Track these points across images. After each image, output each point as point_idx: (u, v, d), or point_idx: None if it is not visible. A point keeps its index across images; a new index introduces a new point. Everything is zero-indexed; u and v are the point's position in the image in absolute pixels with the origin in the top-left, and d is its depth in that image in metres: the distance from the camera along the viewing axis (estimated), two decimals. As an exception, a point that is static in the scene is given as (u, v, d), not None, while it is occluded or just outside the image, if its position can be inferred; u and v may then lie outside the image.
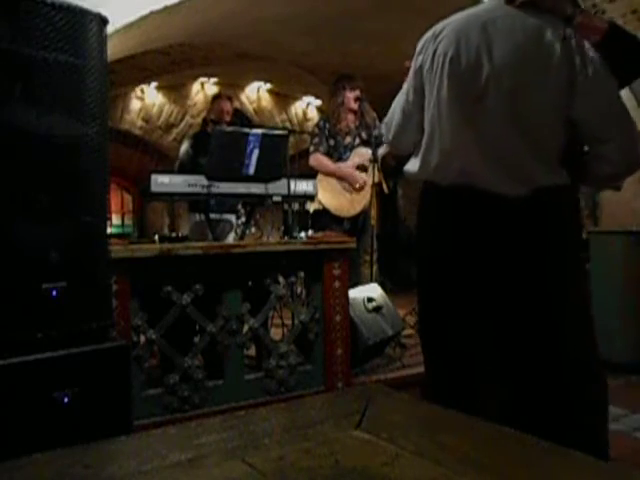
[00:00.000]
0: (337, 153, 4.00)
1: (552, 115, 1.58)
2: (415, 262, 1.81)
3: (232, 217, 4.21)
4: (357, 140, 4.03)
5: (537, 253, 1.59)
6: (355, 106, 3.96)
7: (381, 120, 4.10)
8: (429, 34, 1.82)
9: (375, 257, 4.02)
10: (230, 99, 4.27)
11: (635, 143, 1.58)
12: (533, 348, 1.60)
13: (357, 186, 3.95)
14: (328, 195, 3.96)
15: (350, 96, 3.96)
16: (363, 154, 3.98)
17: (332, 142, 4.00)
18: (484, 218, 1.61)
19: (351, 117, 4.01)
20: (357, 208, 3.99)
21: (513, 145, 1.59)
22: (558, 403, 1.58)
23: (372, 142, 3.91)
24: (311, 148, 4.03)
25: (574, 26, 1.56)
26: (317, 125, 4.13)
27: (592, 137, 1.61)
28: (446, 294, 1.69)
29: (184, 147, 4.11)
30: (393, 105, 1.96)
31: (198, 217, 3.90)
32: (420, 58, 1.83)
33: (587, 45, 1.55)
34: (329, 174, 3.97)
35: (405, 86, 1.89)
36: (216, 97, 4.34)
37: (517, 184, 1.58)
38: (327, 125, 4.02)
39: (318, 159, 3.99)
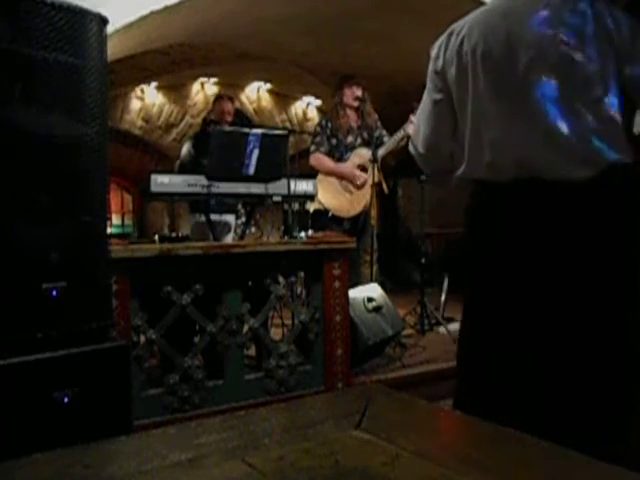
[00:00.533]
0: (338, 152, 4.00)
1: (603, 85, 1.48)
2: (468, 272, 1.63)
3: (231, 217, 4.20)
4: (359, 140, 4.04)
5: (612, 247, 1.43)
6: (354, 103, 3.97)
7: (381, 121, 4.14)
8: (444, 36, 1.75)
9: (375, 257, 4.02)
10: (231, 99, 4.28)
11: None
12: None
13: (358, 183, 3.95)
14: (328, 195, 3.97)
15: (348, 92, 3.96)
16: (363, 155, 3.99)
17: (334, 141, 4.01)
18: (553, 209, 1.47)
19: (352, 115, 4.02)
20: (357, 208, 3.99)
21: (569, 125, 1.49)
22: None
23: (373, 142, 3.91)
24: (312, 147, 4.04)
25: None
26: (319, 124, 4.14)
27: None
28: (520, 309, 1.49)
29: (186, 148, 4.11)
30: (416, 121, 1.90)
31: (199, 217, 3.90)
32: (440, 62, 1.74)
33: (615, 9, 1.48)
34: (329, 173, 3.98)
35: (425, 97, 1.81)
36: (218, 98, 4.35)
37: (581, 166, 1.45)
38: (329, 124, 4.02)
39: (318, 158, 3.99)
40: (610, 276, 1.42)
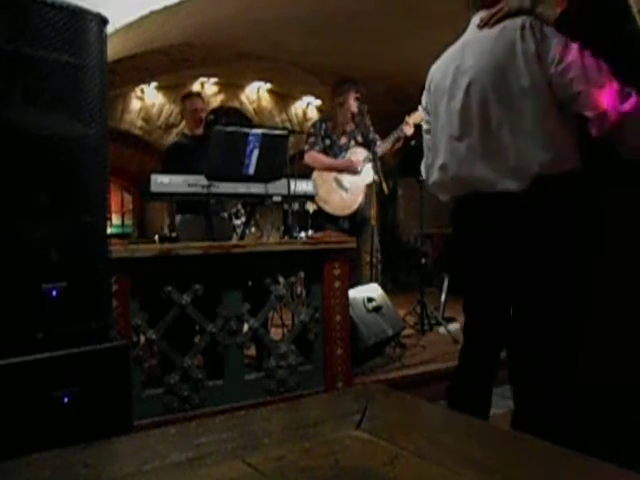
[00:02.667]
0: (332, 153, 4.01)
1: (535, 99, 1.72)
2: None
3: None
4: (352, 142, 4.06)
5: (540, 246, 1.73)
6: (356, 109, 3.99)
7: (381, 121, 4.13)
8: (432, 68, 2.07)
9: (379, 257, 4.02)
10: (200, 95, 4.18)
11: (600, 93, 1.64)
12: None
13: (357, 167, 3.96)
14: (323, 194, 3.96)
15: (354, 100, 3.98)
16: (359, 154, 3.99)
17: (327, 142, 4.02)
18: (492, 219, 1.81)
19: (350, 119, 4.04)
20: (352, 207, 3.99)
21: (503, 142, 1.76)
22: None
23: (368, 144, 3.93)
24: (306, 147, 4.05)
25: (536, 15, 1.75)
26: (313, 125, 4.16)
27: (566, 98, 1.70)
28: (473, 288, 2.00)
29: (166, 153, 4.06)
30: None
31: (185, 217, 3.82)
32: (424, 96, 2.08)
33: (545, 26, 1.73)
34: (325, 169, 3.98)
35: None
36: (186, 96, 4.12)
37: (513, 179, 1.73)
38: (323, 125, 4.04)
39: (312, 156, 4.00)
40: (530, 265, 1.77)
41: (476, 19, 1.93)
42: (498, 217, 1.79)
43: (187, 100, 4.02)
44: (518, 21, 1.78)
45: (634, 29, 1.69)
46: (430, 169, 2.05)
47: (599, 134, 1.68)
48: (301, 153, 4.23)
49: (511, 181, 1.74)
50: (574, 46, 1.69)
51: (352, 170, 3.97)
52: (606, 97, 1.64)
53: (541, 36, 1.72)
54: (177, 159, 3.61)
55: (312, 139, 4.03)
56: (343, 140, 4.04)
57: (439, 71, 2.01)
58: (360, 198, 3.98)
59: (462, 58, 1.90)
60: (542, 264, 1.75)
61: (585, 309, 1.74)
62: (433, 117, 2.03)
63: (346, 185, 3.99)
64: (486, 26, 1.86)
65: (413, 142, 3.74)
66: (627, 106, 1.63)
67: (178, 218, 3.83)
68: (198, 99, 4.01)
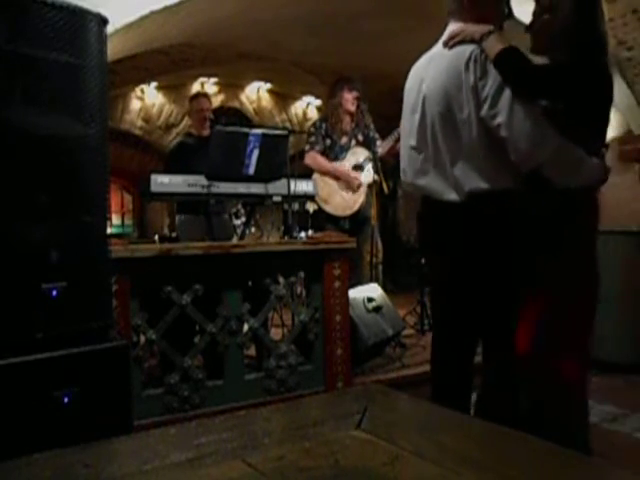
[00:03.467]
0: (333, 153, 4.00)
1: (470, 130, 1.86)
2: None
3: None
4: (353, 141, 4.04)
5: (470, 253, 1.93)
6: (352, 107, 3.97)
7: (381, 121, 4.13)
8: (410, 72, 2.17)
9: (380, 258, 4.02)
10: (207, 96, 4.19)
11: (523, 130, 1.77)
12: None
13: (354, 185, 3.94)
14: (324, 194, 3.96)
15: (348, 97, 3.96)
16: (359, 153, 3.99)
17: (328, 142, 4.01)
18: (439, 222, 2.01)
19: (347, 118, 4.02)
20: (353, 207, 3.98)
21: (445, 157, 1.92)
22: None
23: (369, 143, 3.92)
24: (307, 147, 4.04)
25: (482, 47, 1.84)
26: (313, 125, 4.14)
27: (494, 126, 1.82)
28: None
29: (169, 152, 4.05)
30: None
31: (185, 217, 3.82)
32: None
33: (489, 62, 1.82)
34: (325, 173, 3.97)
35: None
36: (194, 97, 4.16)
37: (453, 191, 1.91)
38: (324, 125, 4.02)
39: (313, 157, 3.99)
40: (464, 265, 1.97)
41: (448, 29, 2.00)
42: (444, 223, 1.99)
43: (194, 100, 4.04)
44: (468, 50, 1.86)
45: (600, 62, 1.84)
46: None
47: (525, 171, 1.87)
48: (301, 153, 4.23)
49: (453, 194, 1.92)
50: (507, 92, 1.78)
51: (347, 182, 3.95)
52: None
53: (481, 72, 1.82)
54: (182, 159, 3.61)
55: (313, 138, 4.02)
56: (344, 140, 4.03)
57: (411, 80, 2.13)
58: (361, 199, 3.98)
59: (426, 72, 2.01)
60: (476, 268, 1.93)
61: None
62: (402, 121, 2.18)
63: (347, 186, 3.99)
64: (446, 46, 1.95)
65: None
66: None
67: (178, 218, 3.82)
68: (205, 99, 4.03)
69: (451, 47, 1.92)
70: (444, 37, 1.98)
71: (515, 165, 1.85)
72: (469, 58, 1.84)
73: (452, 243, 1.98)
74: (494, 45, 1.79)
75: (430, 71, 1.99)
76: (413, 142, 2.05)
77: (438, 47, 2.03)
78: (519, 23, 2.06)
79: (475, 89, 1.83)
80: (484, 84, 1.81)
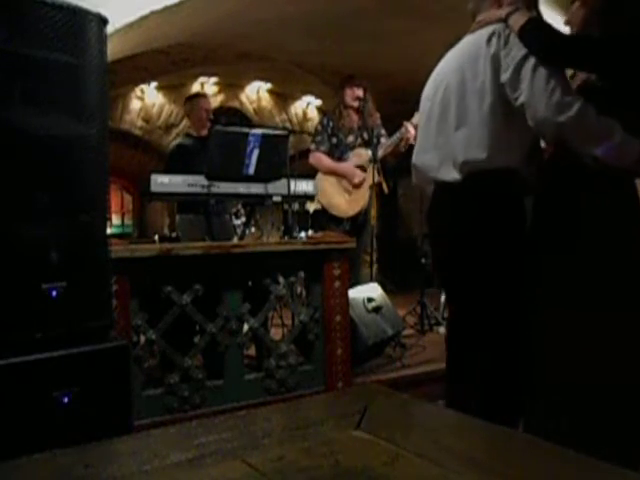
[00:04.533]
0: (338, 152, 4.00)
1: (481, 99, 1.83)
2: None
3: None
4: (359, 140, 4.04)
5: (468, 233, 1.88)
6: (354, 104, 3.96)
7: (383, 121, 4.14)
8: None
9: (375, 257, 4.02)
10: (205, 96, 4.18)
11: (543, 94, 1.72)
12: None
13: (356, 181, 3.94)
14: (327, 195, 3.97)
15: (349, 93, 3.97)
16: (362, 155, 3.99)
17: (334, 140, 4.01)
18: (440, 202, 1.98)
19: (353, 116, 4.01)
20: (355, 209, 3.98)
21: (450, 126, 1.91)
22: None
23: (373, 142, 3.91)
24: (312, 146, 4.04)
25: (507, 24, 1.82)
26: (320, 123, 4.14)
27: (512, 97, 1.79)
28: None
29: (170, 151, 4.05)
30: None
31: (187, 217, 3.82)
32: None
33: (513, 35, 1.80)
34: (328, 172, 3.97)
35: None
36: (192, 97, 4.16)
37: (449, 165, 1.89)
38: (330, 123, 4.02)
39: (317, 157, 3.99)
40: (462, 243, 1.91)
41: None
42: (441, 207, 1.98)
43: (192, 101, 4.03)
44: (491, 28, 1.86)
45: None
46: None
47: (546, 142, 1.85)
48: (301, 153, 4.23)
49: (447, 172, 1.90)
50: (531, 60, 1.75)
51: (350, 180, 3.96)
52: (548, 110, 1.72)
53: (504, 42, 1.80)
54: (182, 160, 3.61)
55: (319, 138, 4.02)
56: (350, 138, 4.03)
57: (428, 86, 2.13)
58: (364, 199, 3.98)
59: (443, 63, 2.05)
60: (473, 256, 1.88)
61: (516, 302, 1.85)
62: (419, 128, 2.21)
63: (350, 188, 3.99)
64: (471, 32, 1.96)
65: (413, 142, 3.73)
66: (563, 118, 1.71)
67: (178, 218, 3.83)
68: (204, 100, 4.02)
69: (475, 30, 1.92)
70: (479, 17, 1.95)
71: (523, 142, 1.81)
72: (492, 33, 1.83)
73: (443, 228, 1.99)
74: (519, 19, 1.77)
75: (451, 54, 2.01)
76: (425, 118, 2.07)
77: (454, 49, 2.04)
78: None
79: (496, 57, 1.80)
80: (507, 52, 1.79)
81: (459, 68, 1.91)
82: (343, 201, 3.99)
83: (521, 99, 1.76)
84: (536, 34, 1.75)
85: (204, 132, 3.84)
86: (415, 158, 2.09)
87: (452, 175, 1.89)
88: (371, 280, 3.82)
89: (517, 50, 1.78)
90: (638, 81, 1.74)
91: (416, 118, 3.70)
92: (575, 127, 1.71)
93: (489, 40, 1.83)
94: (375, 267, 4.01)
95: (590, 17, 1.85)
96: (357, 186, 3.96)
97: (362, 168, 3.99)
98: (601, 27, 1.82)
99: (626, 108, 1.74)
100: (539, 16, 1.94)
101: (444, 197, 1.95)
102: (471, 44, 1.91)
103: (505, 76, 1.79)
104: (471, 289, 1.93)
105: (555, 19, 1.97)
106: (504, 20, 1.82)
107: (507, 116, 1.81)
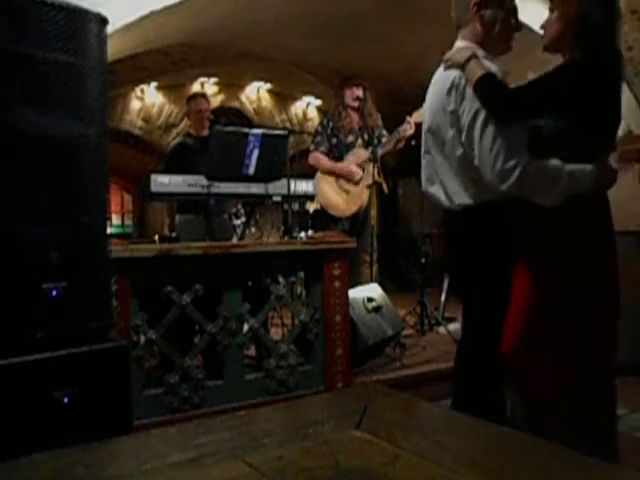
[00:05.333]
0: (338, 152, 4.01)
1: (455, 149, 1.97)
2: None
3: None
4: (359, 140, 4.04)
5: (463, 253, 2.11)
6: (354, 104, 3.97)
7: (383, 121, 4.14)
8: None
9: (375, 257, 4.02)
10: (205, 96, 4.19)
11: (488, 161, 1.86)
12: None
13: (355, 178, 3.94)
14: (326, 195, 3.97)
15: (348, 94, 3.97)
16: (360, 154, 3.99)
17: (334, 141, 4.01)
18: (448, 224, 2.17)
19: (354, 116, 4.02)
20: (353, 208, 3.98)
21: (440, 170, 2.08)
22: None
23: (373, 142, 3.91)
24: (312, 147, 4.04)
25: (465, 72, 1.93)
26: (320, 123, 4.16)
27: (471, 157, 1.94)
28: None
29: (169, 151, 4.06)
30: None
31: (186, 217, 3.82)
32: None
33: (468, 86, 1.91)
34: (326, 172, 3.98)
35: None
36: (192, 97, 4.16)
37: (452, 202, 2.05)
38: (330, 124, 4.02)
39: (316, 157, 4.00)
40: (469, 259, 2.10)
41: (455, 46, 2.08)
42: (448, 228, 2.18)
43: (192, 101, 4.03)
44: (452, 76, 1.96)
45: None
46: None
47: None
48: (301, 153, 4.23)
49: (447, 202, 2.08)
50: (480, 118, 1.87)
51: (349, 179, 3.96)
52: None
53: (461, 98, 1.92)
54: (181, 160, 3.61)
55: (318, 138, 4.03)
56: (350, 138, 4.03)
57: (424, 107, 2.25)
58: (362, 199, 3.98)
59: (429, 90, 2.15)
60: (467, 269, 2.12)
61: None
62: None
63: (347, 187, 3.99)
64: (444, 69, 2.04)
65: (413, 142, 3.73)
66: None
67: (178, 218, 3.82)
68: (203, 100, 4.02)
69: (445, 69, 2.02)
70: (446, 56, 2.04)
71: None
72: (451, 84, 1.94)
73: (452, 248, 2.19)
74: (475, 70, 1.87)
75: (430, 90, 2.14)
76: (424, 149, 2.20)
77: (432, 81, 2.15)
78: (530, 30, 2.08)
79: (455, 114, 1.94)
80: (463, 110, 1.92)
81: (433, 115, 2.07)
82: (341, 201, 3.99)
83: (475, 162, 1.91)
84: (486, 91, 1.86)
85: (204, 132, 3.84)
86: (424, 185, 2.22)
87: (448, 204, 2.07)
88: (371, 280, 3.82)
89: (469, 107, 1.90)
90: (593, 112, 1.86)
91: (416, 115, 3.71)
92: (518, 190, 1.86)
93: (449, 92, 1.95)
94: (375, 267, 4.01)
95: (564, 32, 1.91)
96: (356, 183, 3.96)
97: (360, 167, 3.99)
98: (573, 44, 1.89)
99: (584, 140, 1.88)
100: (518, 29, 2.06)
101: (450, 222, 2.14)
102: (438, 89, 2.03)
103: (463, 137, 1.93)
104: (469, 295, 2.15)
105: (538, 9, 1.99)
106: (462, 68, 1.92)
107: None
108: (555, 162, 1.86)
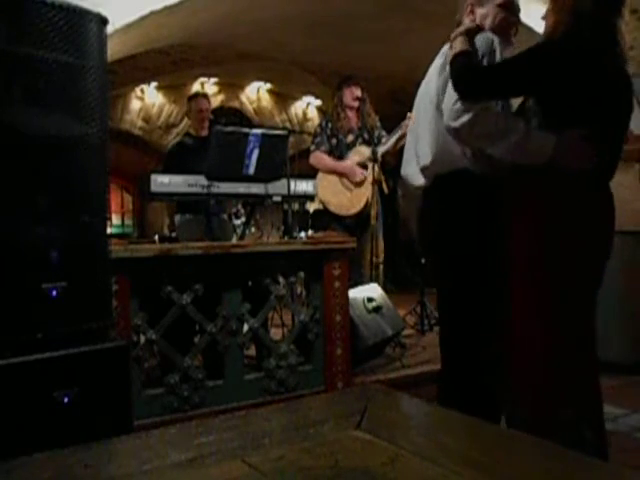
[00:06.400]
0: (338, 152, 4.01)
1: (433, 115, 2.01)
2: None
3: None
4: (359, 140, 4.04)
5: (436, 228, 2.12)
6: (354, 103, 3.97)
7: (382, 121, 4.15)
8: None
9: (382, 258, 4.02)
10: (206, 96, 4.20)
11: (449, 102, 1.87)
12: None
13: (357, 179, 3.94)
14: (328, 194, 3.97)
15: (347, 94, 3.97)
16: (362, 153, 3.99)
17: (334, 141, 4.01)
18: (418, 207, 2.19)
19: (352, 116, 4.02)
20: (357, 206, 3.99)
21: (416, 147, 2.13)
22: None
23: (373, 142, 3.91)
24: (312, 147, 4.04)
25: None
26: (319, 124, 4.16)
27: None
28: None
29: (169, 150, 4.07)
30: None
31: (186, 217, 3.82)
32: None
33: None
34: (328, 171, 3.98)
35: None
36: (192, 97, 4.18)
37: (422, 176, 2.10)
38: (329, 124, 4.03)
39: (317, 157, 4.00)
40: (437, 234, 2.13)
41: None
42: (419, 207, 2.19)
43: (193, 101, 4.03)
44: (444, 55, 2.03)
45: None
46: None
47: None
48: (301, 153, 4.23)
49: (419, 178, 2.13)
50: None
51: (351, 178, 3.96)
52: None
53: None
54: (180, 159, 3.61)
55: (318, 139, 4.03)
56: (350, 138, 4.03)
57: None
58: (366, 196, 3.98)
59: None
60: (439, 247, 2.13)
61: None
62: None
63: (351, 186, 4.00)
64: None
65: None
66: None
67: (178, 218, 3.82)
68: (204, 100, 4.03)
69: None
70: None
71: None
72: (443, 62, 2.00)
73: (421, 225, 2.22)
74: (456, 47, 1.90)
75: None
76: (410, 128, 2.31)
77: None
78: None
79: (444, 85, 1.95)
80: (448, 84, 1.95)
81: (426, 82, 2.14)
82: (345, 199, 3.99)
83: (441, 107, 1.93)
84: (459, 70, 1.87)
85: (203, 132, 3.85)
86: (402, 170, 2.26)
87: (421, 181, 2.12)
88: (375, 280, 3.82)
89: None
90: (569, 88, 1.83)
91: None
92: (468, 131, 1.84)
93: (442, 69, 2.01)
94: (382, 268, 4.01)
95: (558, 23, 1.89)
96: (359, 184, 3.96)
97: (363, 166, 3.99)
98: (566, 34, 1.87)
99: (562, 118, 1.84)
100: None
101: (420, 199, 2.17)
102: (433, 67, 2.11)
103: (437, 88, 2.00)
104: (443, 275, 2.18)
105: (540, 10, 2.00)
106: (452, 40, 1.94)
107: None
108: (516, 119, 1.87)
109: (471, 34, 1.93)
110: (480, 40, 1.94)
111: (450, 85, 1.87)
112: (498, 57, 1.94)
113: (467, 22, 2.00)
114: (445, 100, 1.89)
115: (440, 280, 2.21)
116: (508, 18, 2.06)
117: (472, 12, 2.05)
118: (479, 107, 1.82)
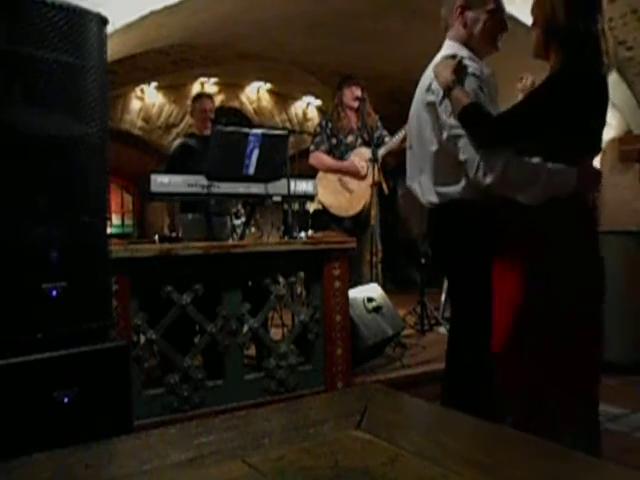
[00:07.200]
0: (338, 152, 4.00)
1: (433, 138, 2.03)
2: None
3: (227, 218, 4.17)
4: (359, 140, 4.04)
5: (439, 245, 2.21)
6: (354, 104, 3.97)
7: (382, 121, 4.14)
8: None
9: (380, 257, 4.02)
10: (210, 97, 4.22)
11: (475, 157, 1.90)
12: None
13: (363, 172, 3.94)
14: (328, 194, 3.97)
15: (347, 94, 3.97)
16: (362, 153, 3.98)
17: (334, 141, 4.01)
18: (428, 221, 2.24)
19: (352, 116, 4.02)
20: (356, 207, 3.99)
21: (421, 172, 2.14)
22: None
23: (373, 142, 3.91)
24: (312, 147, 4.04)
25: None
26: (319, 124, 4.15)
27: (454, 151, 1.97)
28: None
29: (173, 148, 4.07)
30: None
31: (191, 216, 3.83)
32: None
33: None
34: (329, 170, 3.98)
35: None
36: (197, 97, 4.21)
37: (431, 197, 2.12)
38: (329, 125, 4.02)
39: (317, 157, 3.99)
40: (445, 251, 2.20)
41: (443, 49, 2.12)
42: (428, 222, 2.24)
43: (197, 101, 4.06)
44: (431, 76, 2.02)
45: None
46: None
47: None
48: (301, 153, 4.23)
49: (426, 199, 2.14)
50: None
51: (355, 175, 3.97)
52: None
53: (442, 95, 1.95)
54: (183, 161, 3.62)
55: (318, 139, 4.02)
56: (350, 139, 4.03)
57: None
58: (365, 198, 3.98)
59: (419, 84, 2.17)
60: (444, 259, 2.23)
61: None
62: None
63: (350, 186, 3.99)
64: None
65: None
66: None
67: (182, 217, 3.83)
68: (208, 100, 4.05)
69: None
70: (436, 58, 2.08)
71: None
72: (431, 80, 2.01)
73: (431, 241, 2.28)
74: (459, 100, 1.90)
75: (418, 88, 2.18)
76: (408, 145, 2.27)
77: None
78: (521, 24, 2.09)
79: (434, 106, 1.99)
80: (444, 107, 1.95)
81: (415, 108, 2.14)
82: (344, 200, 3.99)
83: (461, 157, 1.93)
84: (472, 123, 1.90)
85: (206, 132, 3.84)
86: (407, 182, 2.27)
87: (433, 200, 2.13)
88: (375, 280, 3.82)
89: (446, 106, 1.94)
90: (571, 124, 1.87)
91: None
92: (500, 184, 1.88)
93: (428, 89, 2.02)
94: (380, 267, 4.01)
95: (540, 38, 1.92)
96: (362, 178, 3.95)
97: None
98: (549, 49, 1.90)
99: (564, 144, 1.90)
100: (504, 30, 2.08)
101: (430, 216, 2.20)
102: (421, 85, 2.10)
103: (445, 134, 1.96)
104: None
105: None
106: (447, 93, 1.94)
107: (451, 158, 1.97)
108: (536, 160, 1.89)
109: (459, 73, 1.94)
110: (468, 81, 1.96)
111: (465, 139, 1.90)
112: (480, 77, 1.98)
113: (447, 75, 1.95)
114: (467, 149, 1.90)
115: (456, 294, 2.26)
116: (498, 25, 2.06)
117: (461, 14, 2.05)
118: (503, 161, 1.86)
